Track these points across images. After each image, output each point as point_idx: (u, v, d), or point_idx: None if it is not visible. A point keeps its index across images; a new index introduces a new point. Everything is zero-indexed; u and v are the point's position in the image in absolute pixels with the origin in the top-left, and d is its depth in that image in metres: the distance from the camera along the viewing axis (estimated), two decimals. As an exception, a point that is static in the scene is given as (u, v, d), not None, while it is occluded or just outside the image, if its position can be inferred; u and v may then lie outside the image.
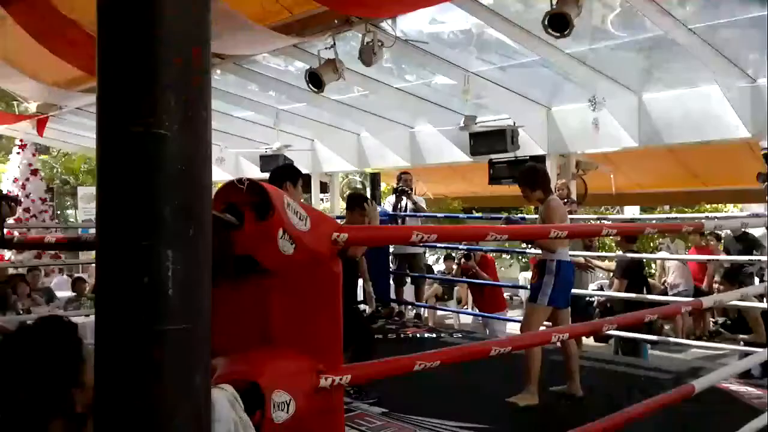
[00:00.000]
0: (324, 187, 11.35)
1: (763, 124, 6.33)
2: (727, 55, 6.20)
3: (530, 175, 4.14)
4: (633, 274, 6.15)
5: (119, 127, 0.88)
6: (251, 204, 1.30)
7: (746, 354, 4.60)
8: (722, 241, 7.84)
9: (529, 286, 4.44)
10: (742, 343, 5.46)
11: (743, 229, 6.68)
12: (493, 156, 8.34)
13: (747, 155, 8.68)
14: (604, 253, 9.31)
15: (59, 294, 8.99)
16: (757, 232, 7.71)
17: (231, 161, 11.29)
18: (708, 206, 10.94)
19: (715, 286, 5.90)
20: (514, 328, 7.04)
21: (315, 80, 6.53)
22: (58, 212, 15.71)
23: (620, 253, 6.83)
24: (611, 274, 7.17)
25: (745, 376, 4.76)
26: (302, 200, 4.05)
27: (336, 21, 6.19)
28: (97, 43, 0.92)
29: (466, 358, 1.82)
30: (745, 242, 6.29)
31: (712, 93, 6.62)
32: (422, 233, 1.71)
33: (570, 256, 4.18)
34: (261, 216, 1.29)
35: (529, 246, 6.34)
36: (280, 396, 1.33)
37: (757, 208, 10.24)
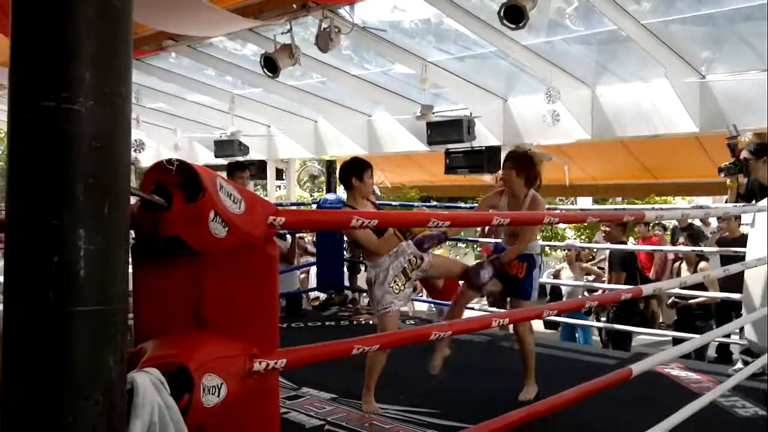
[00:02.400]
0: (279, 174, 11.24)
1: (713, 119, 6.52)
2: (678, 51, 6.34)
3: (524, 160, 3.82)
4: (629, 266, 6.34)
5: (30, 101, 0.85)
6: (182, 185, 1.28)
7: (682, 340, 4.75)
8: (667, 231, 8.06)
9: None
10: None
11: (689, 221, 6.88)
12: (449, 145, 8.37)
13: (695, 149, 8.91)
14: (556, 243, 9.51)
15: None
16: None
17: (185, 146, 11.10)
18: (657, 198, 11.22)
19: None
20: (468, 315, 7.11)
21: (270, 65, 6.45)
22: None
23: (569, 241, 6.96)
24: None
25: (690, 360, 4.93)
26: (372, 191, 3.93)
27: (294, 6, 6.12)
28: (11, 10, 0.88)
29: (405, 342, 1.83)
30: (689, 232, 6.49)
31: (663, 88, 6.76)
32: (362, 218, 1.71)
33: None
34: (191, 198, 1.27)
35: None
36: (210, 380, 1.32)
37: (704, 200, 10.55)
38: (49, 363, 0.85)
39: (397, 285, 3.59)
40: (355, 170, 3.65)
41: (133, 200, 1.17)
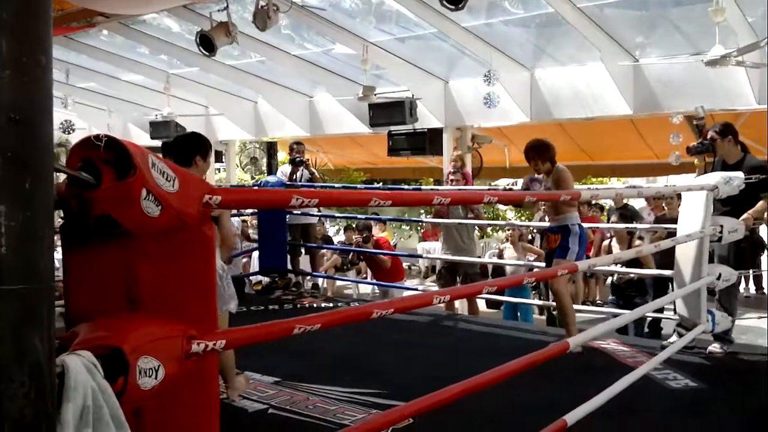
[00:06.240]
0: (219, 156, 11.01)
1: (646, 102, 6.73)
2: (612, 35, 6.49)
3: (543, 148, 4.37)
4: None
5: (-60, 70, 0.80)
6: (111, 162, 1.23)
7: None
8: (604, 211, 8.30)
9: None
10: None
11: (624, 201, 7.07)
12: (392, 127, 8.38)
13: (630, 132, 9.17)
14: (498, 222, 9.68)
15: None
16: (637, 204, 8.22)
17: (118, 127, 10.73)
18: (594, 179, 11.52)
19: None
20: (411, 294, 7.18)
21: (206, 43, 6.30)
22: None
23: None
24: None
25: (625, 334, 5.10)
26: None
27: (230, -18, 5.99)
28: None
29: (346, 320, 1.83)
30: (622, 212, 6.70)
31: (598, 71, 6.92)
32: (302, 197, 1.68)
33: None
34: (122, 175, 1.22)
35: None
36: (147, 362, 1.29)
37: (638, 181, 10.91)
38: (-31, 345, 0.81)
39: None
40: (200, 148, 3.29)
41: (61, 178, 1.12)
